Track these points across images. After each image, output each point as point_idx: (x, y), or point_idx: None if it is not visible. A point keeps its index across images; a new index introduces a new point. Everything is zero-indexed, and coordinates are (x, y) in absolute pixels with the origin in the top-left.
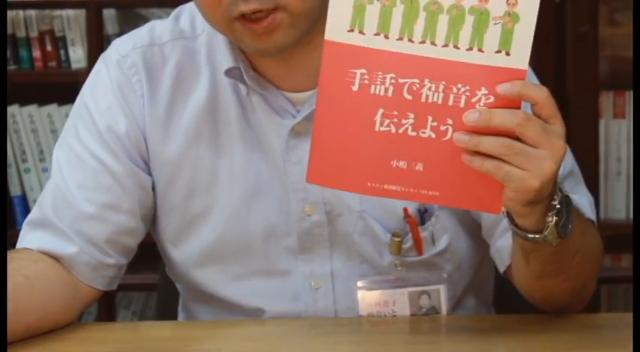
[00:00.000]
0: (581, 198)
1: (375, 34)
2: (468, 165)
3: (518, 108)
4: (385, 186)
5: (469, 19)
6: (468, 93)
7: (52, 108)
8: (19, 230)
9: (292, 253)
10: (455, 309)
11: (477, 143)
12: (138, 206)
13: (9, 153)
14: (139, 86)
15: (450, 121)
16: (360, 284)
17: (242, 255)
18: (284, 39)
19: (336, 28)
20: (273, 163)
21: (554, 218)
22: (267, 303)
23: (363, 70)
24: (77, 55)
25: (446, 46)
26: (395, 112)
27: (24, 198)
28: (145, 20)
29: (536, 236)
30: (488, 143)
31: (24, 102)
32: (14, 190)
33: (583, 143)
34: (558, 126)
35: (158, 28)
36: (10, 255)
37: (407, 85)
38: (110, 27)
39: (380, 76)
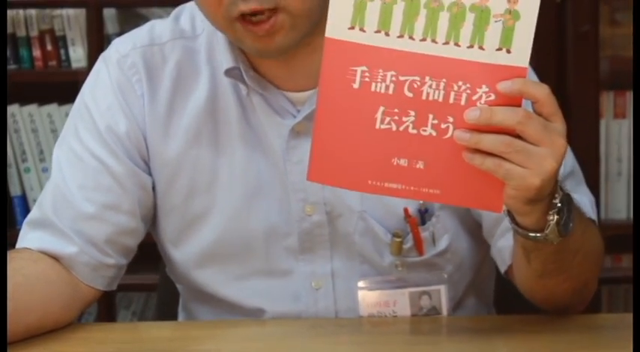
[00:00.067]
0: (582, 198)
1: (376, 32)
2: (469, 163)
3: (519, 106)
4: (386, 184)
5: (470, 17)
6: (468, 91)
7: (52, 108)
8: (19, 230)
9: (293, 253)
10: (455, 310)
11: (478, 141)
12: (138, 206)
13: (9, 152)
14: (139, 86)
15: (450, 119)
16: (360, 284)
17: (242, 255)
18: (285, 41)
19: (337, 25)
20: (273, 163)
21: (555, 216)
22: (268, 303)
23: (364, 68)
24: (77, 54)
25: (447, 43)
26: (396, 110)
27: (24, 197)
28: (145, 20)
29: (537, 234)
30: (488, 141)
31: (24, 101)
32: (14, 190)
33: (584, 143)
34: (559, 124)
35: (158, 27)
36: (10, 255)
37: (408, 83)
38: (110, 26)
39: (381, 74)
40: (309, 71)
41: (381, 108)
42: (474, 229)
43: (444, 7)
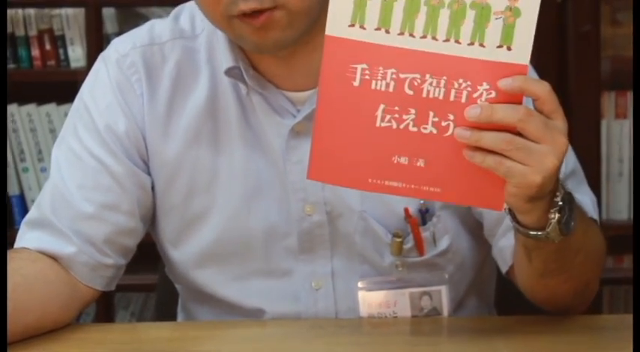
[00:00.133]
0: (584, 198)
1: (376, 29)
2: (470, 161)
3: (520, 103)
4: (386, 182)
5: (470, 14)
6: (469, 89)
7: (51, 108)
8: (17, 230)
9: (292, 253)
10: (456, 310)
11: (479, 138)
12: (137, 206)
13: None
14: (138, 85)
15: (451, 117)
16: (360, 284)
17: (242, 255)
18: (281, 37)
19: (337, 23)
20: (273, 163)
21: (557, 215)
22: (268, 304)
23: (364, 65)
24: (76, 54)
25: (447, 40)
26: (396, 108)
27: (22, 197)
28: (144, 19)
29: (539, 233)
30: (489, 138)
31: (22, 101)
32: (12, 190)
33: (585, 143)
34: (560, 122)
35: (158, 27)
36: (9, 255)
37: (408, 81)
38: (109, 26)
39: (381, 72)
40: (310, 70)
41: (382, 106)
42: (475, 229)
43: (445, 5)
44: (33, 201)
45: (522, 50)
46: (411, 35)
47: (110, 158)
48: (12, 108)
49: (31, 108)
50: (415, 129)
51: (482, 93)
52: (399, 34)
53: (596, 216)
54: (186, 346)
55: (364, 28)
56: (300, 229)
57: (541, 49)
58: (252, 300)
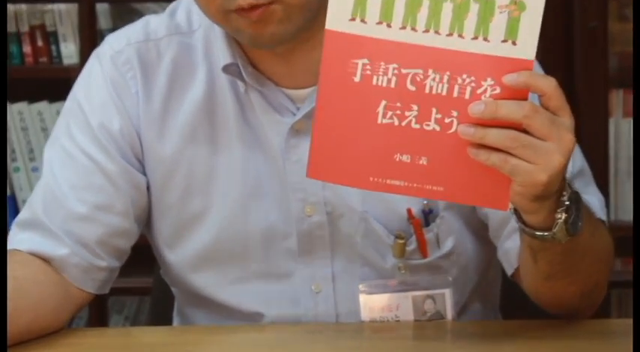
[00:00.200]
0: (592, 198)
1: (378, 23)
2: (474, 159)
3: (525, 99)
4: (388, 181)
5: (474, 8)
6: (473, 84)
7: (43, 106)
8: (8, 230)
9: (292, 255)
10: (460, 314)
11: (483, 135)
12: (131, 206)
13: None
14: (133, 83)
15: (454, 113)
16: (362, 287)
17: (240, 257)
18: (278, 31)
19: (337, 16)
20: (272, 162)
21: (564, 215)
22: (266, 307)
23: (365, 61)
24: (69, 50)
25: (450, 35)
26: (398, 104)
27: (13, 198)
28: (139, 15)
29: (545, 233)
30: (494, 135)
31: (14, 99)
32: None
33: (592, 142)
34: (567, 119)
35: (153, 23)
36: None
37: (410, 76)
38: (103, 22)
39: (382, 67)
40: (310, 67)
41: (383, 103)
42: (479, 230)
43: None
44: (24, 201)
45: (528, 45)
46: (414, 29)
47: (104, 157)
48: None
49: (22, 106)
50: (418, 126)
51: (486, 89)
52: (400, 29)
53: (604, 217)
54: (182, 351)
55: (365, 22)
56: (299, 230)
57: (547, 46)
58: (251, 304)
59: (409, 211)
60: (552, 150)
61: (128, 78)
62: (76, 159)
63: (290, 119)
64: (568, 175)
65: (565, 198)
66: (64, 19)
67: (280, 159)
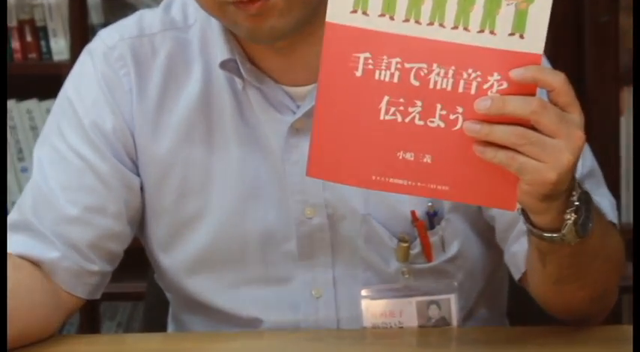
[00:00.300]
0: (603, 200)
1: (380, 16)
2: (480, 157)
3: (533, 95)
4: (391, 179)
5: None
6: (479, 79)
7: (32, 104)
8: None
9: (291, 259)
10: (466, 320)
11: (489, 132)
12: (124, 208)
13: None
14: (126, 80)
15: (460, 109)
16: (364, 292)
17: (238, 261)
18: (278, 24)
19: (338, 9)
20: (271, 162)
21: (573, 215)
22: (265, 313)
23: (367, 54)
24: (59, 46)
25: (455, 28)
26: (401, 100)
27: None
28: (132, 9)
29: (554, 235)
30: (501, 132)
31: None
32: None
33: (603, 141)
34: (576, 115)
35: (147, 17)
36: None
37: (414, 71)
38: (95, 16)
39: (385, 61)
40: (311, 63)
41: (386, 98)
42: (486, 233)
43: None
44: (13, 203)
45: (536, 38)
46: (417, 22)
47: (96, 157)
48: None
49: (10, 104)
50: (421, 122)
51: (492, 84)
52: (404, 21)
53: (615, 219)
54: None
55: (367, 15)
56: (299, 233)
57: (556, 41)
58: (249, 309)
59: (413, 213)
60: (561, 147)
61: (121, 75)
62: (67, 159)
63: (290, 117)
64: (578, 176)
65: (575, 198)
66: (54, 13)
67: (279, 159)
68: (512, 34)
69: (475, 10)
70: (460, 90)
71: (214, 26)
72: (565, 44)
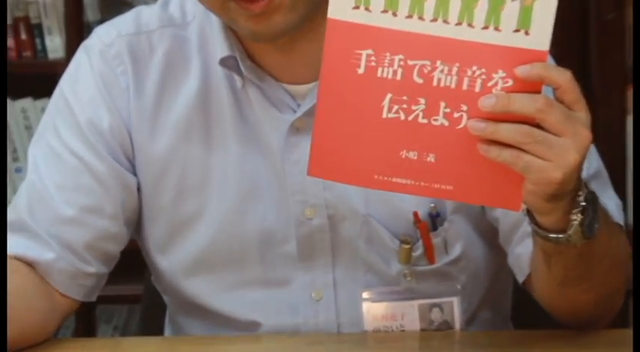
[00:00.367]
0: (609, 202)
1: (383, 12)
2: (484, 156)
3: (539, 92)
4: (393, 179)
5: None
6: (483, 77)
7: (27, 103)
8: None
9: (291, 261)
10: (469, 323)
11: (494, 131)
12: (121, 209)
13: None
14: (124, 78)
15: (464, 107)
16: (365, 295)
17: (236, 262)
18: (283, 22)
19: (340, 5)
20: (270, 162)
21: (579, 216)
22: (264, 316)
23: (370, 51)
24: (54, 44)
25: (459, 24)
26: (404, 97)
27: None
28: (128, 6)
29: (559, 236)
30: (506, 131)
31: None
32: None
33: (609, 141)
34: (583, 113)
35: (145, 14)
36: None
37: (417, 68)
38: (90, 14)
39: (388, 58)
40: (312, 61)
41: (389, 96)
42: (489, 235)
43: None
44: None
45: (541, 35)
46: (421, 18)
47: (92, 156)
48: None
49: None
50: (425, 121)
51: (497, 81)
52: (407, 17)
53: (621, 221)
54: None
55: (370, 11)
56: (299, 234)
57: (561, 39)
58: (247, 312)
59: (415, 214)
60: (567, 146)
61: (118, 72)
62: (62, 158)
63: (290, 116)
64: (583, 176)
65: (581, 198)
66: (50, 10)
67: (279, 159)
68: (517, 31)
69: (479, 6)
70: (464, 87)
71: (213, 23)
72: (570, 42)
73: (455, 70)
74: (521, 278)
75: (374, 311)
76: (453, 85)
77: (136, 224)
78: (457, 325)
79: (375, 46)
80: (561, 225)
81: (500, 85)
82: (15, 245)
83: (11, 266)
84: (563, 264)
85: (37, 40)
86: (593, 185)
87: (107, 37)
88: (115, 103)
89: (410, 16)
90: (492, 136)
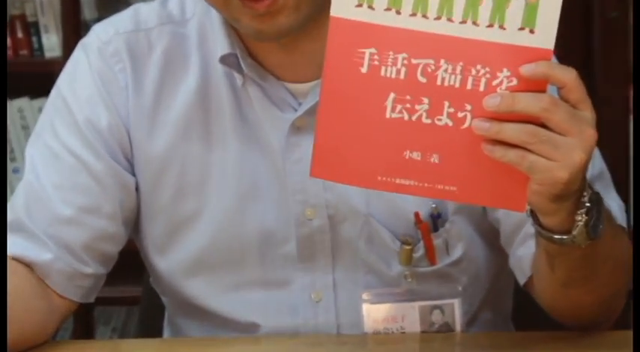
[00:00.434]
0: (612, 203)
1: (386, 10)
2: (489, 156)
3: (544, 91)
4: (397, 180)
5: None
6: (488, 76)
7: (24, 102)
8: None
9: (291, 261)
10: (470, 324)
11: (499, 130)
12: (119, 208)
13: None
14: (122, 76)
15: (468, 107)
16: (365, 296)
17: (235, 263)
18: (287, 22)
19: (343, 2)
20: (270, 161)
21: (584, 217)
22: (263, 317)
23: (373, 50)
24: (51, 42)
25: (464, 22)
26: (408, 97)
27: None
28: (125, 5)
29: (564, 237)
30: (511, 130)
31: None
32: None
33: (611, 141)
34: (588, 112)
35: (143, 11)
36: None
37: (421, 67)
38: (87, 12)
39: (391, 57)
40: (313, 59)
41: (392, 95)
42: (490, 236)
43: None
44: None
45: (546, 33)
46: (424, 16)
47: (90, 155)
48: None
49: None
50: (429, 120)
51: (502, 80)
52: (410, 15)
53: (624, 223)
54: None
55: (373, 9)
56: (299, 234)
57: (564, 37)
58: (246, 313)
59: (417, 215)
60: (573, 145)
61: (117, 70)
62: (60, 157)
63: (291, 115)
64: (587, 177)
65: (586, 198)
66: (46, 8)
67: (279, 158)
68: (522, 29)
69: (484, 3)
70: (468, 86)
71: (214, 20)
72: (573, 40)
73: (459, 68)
74: (522, 280)
75: (374, 312)
76: (457, 84)
77: (135, 224)
78: (458, 327)
79: (378, 44)
80: (565, 226)
81: (504, 84)
82: (13, 245)
83: (9, 267)
84: (567, 265)
85: (34, 39)
86: (596, 186)
87: (105, 34)
88: (114, 102)
89: (414, 14)
90: (497, 136)
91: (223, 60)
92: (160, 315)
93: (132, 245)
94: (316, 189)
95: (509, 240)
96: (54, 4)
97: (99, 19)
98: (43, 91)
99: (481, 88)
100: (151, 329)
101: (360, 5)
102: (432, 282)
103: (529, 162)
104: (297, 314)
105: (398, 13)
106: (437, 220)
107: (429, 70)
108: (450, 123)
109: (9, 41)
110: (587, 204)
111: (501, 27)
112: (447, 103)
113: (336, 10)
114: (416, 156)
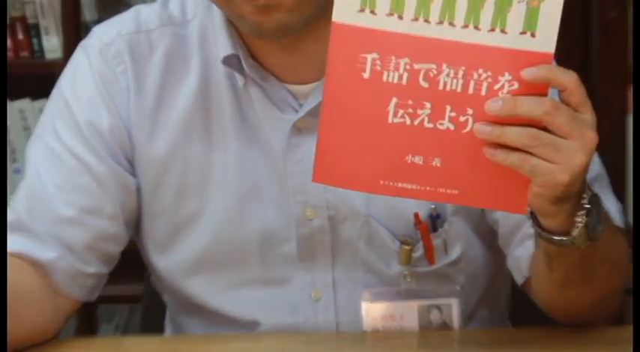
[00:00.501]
0: (610, 205)
1: (388, 15)
2: (491, 160)
3: (545, 95)
4: (399, 184)
5: None
6: (489, 80)
7: (25, 104)
8: None
9: (291, 261)
10: (467, 322)
11: (501, 134)
12: (120, 209)
13: None
14: (123, 77)
15: (470, 111)
16: (364, 295)
17: (236, 262)
18: (287, 19)
19: (345, 8)
20: (271, 162)
21: (584, 218)
22: (263, 315)
23: (375, 55)
24: (52, 44)
25: (465, 27)
26: (410, 102)
27: None
28: (126, 6)
29: (564, 238)
30: (512, 134)
31: None
32: None
33: (609, 141)
34: (589, 115)
35: (144, 13)
36: None
37: (423, 71)
38: (88, 13)
39: (393, 62)
40: (314, 61)
41: (394, 100)
42: (488, 237)
43: None
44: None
45: (547, 37)
46: (426, 21)
47: (92, 157)
48: None
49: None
50: (431, 125)
51: (503, 84)
52: (412, 20)
53: (621, 224)
54: None
55: (375, 14)
56: (299, 234)
57: (562, 38)
58: (247, 311)
59: (416, 215)
60: (574, 148)
61: (118, 72)
62: (61, 159)
63: (292, 116)
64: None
65: (585, 200)
66: (47, 10)
67: (280, 159)
68: (523, 33)
69: (486, 8)
70: (470, 91)
71: (216, 21)
72: (571, 41)
73: (461, 73)
74: (520, 281)
75: (373, 311)
76: (458, 89)
77: (135, 224)
78: (456, 326)
79: (380, 49)
80: (565, 228)
81: (506, 87)
82: (14, 243)
83: (15, 264)
84: (566, 266)
85: (34, 40)
86: (593, 188)
87: (106, 36)
88: (115, 103)
89: (416, 19)
90: (499, 140)
91: (225, 61)
92: (161, 313)
93: (134, 244)
94: (317, 190)
95: (507, 241)
96: (54, 6)
97: (99, 21)
98: (44, 93)
99: (483, 92)
100: (153, 326)
101: (362, 10)
102: (431, 282)
103: (531, 165)
104: (297, 313)
105: (400, 18)
106: (436, 221)
107: (431, 74)
108: (452, 128)
109: (9, 43)
110: (587, 206)
111: (503, 31)
112: (448, 108)
113: (338, 15)
114: (418, 160)
